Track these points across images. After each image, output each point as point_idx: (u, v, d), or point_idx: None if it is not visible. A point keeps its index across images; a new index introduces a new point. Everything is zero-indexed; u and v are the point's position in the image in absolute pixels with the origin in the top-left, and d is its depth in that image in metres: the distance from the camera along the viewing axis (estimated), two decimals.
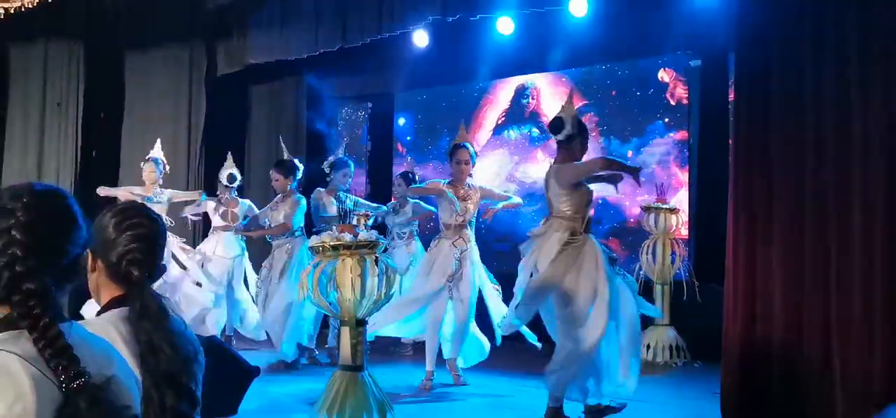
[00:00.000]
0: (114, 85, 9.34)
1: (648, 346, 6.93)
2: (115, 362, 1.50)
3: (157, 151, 7.70)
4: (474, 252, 6.00)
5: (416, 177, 7.43)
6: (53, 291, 1.42)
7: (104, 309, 1.90)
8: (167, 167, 7.74)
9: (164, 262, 1.99)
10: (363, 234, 4.14)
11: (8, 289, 1.38)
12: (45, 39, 9.02)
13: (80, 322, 1.61)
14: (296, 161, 7.09)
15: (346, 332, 4.12)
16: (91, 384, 1.35)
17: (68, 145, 9.10)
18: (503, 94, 9.16)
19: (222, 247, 7.43)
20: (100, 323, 1.77)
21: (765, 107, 4.54)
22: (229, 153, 7.88)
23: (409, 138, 9.92)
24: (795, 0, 4.52)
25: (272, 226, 6.92)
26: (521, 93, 9.05)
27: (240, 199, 7.73)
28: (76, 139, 9.10)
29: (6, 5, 6.95)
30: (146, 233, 1.87)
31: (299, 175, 7.04)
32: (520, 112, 9.05)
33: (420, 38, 8.72)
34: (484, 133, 9.12)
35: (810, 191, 4.28)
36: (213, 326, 7.22)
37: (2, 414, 1.27)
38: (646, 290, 7.08)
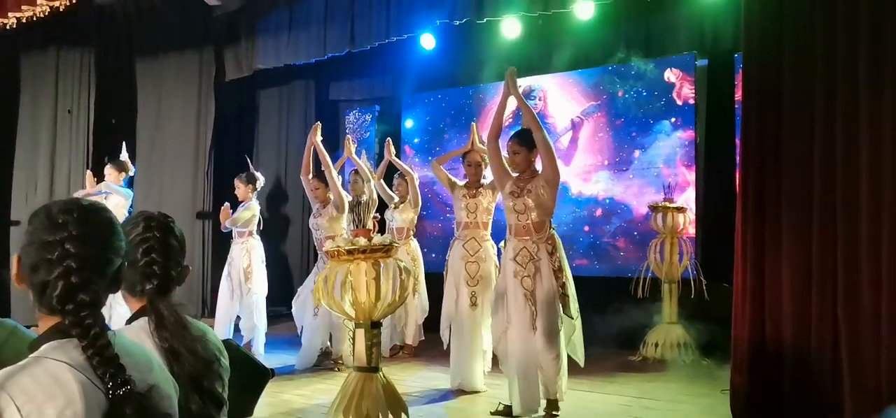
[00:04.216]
0: (124, 91, 9.43)
1: (656, 344, 6.99)
2: (155, 370, 1.56)
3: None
4: (490, 253, 5.98)
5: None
6: (102, 301, 1.49)
7: (132, 318, 1.97)
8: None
9: (185, 264, 2.03)
10: (378, 238, 4.21)
11: (62, 300, 1.44)
12: (57, 47, 9.11)
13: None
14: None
15: (361, 334, 4.18)
16: (136, 391, 1.41)
17: (79, 151, 9.20)
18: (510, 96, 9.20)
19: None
20: (133, 332, 1.83)
21: (774, 107, 4.58)
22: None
23: (416, 140, 9.97)
24: (802, 4, 4.56)
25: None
26: (527, 94, 9.09)
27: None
28: (87, 145, 9.20)
29: (18, 15, 7.01)
30: (154, 245, 1.91)
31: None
32: None
33: (427, 42, 8.79)
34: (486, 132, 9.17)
35: (819, 189, 4.33)
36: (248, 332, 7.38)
37: None
38: (653, 289, 7.16)
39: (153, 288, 1.84)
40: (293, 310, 7.04)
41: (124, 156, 7.80)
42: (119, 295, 1.77)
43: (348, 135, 7.65)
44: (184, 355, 1.74)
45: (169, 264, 1.90)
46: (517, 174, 5.10)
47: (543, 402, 5.00)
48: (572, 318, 4.92)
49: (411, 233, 7.46)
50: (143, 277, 1.86)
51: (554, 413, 4.97)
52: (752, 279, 4.47)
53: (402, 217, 7.40)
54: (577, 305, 4.99)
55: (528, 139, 5.01)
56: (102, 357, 1.41)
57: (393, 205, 7.50)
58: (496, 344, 5.19)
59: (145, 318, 1.82)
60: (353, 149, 7.24)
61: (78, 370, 1.40)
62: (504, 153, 5.30)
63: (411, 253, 7.27)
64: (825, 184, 4.31)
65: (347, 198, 6.88)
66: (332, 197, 6.73)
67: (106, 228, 1.55)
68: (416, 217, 7.48)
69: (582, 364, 5.15)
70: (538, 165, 5.12)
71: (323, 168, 6.71)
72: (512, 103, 5.55)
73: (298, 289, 7.18)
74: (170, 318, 1.76)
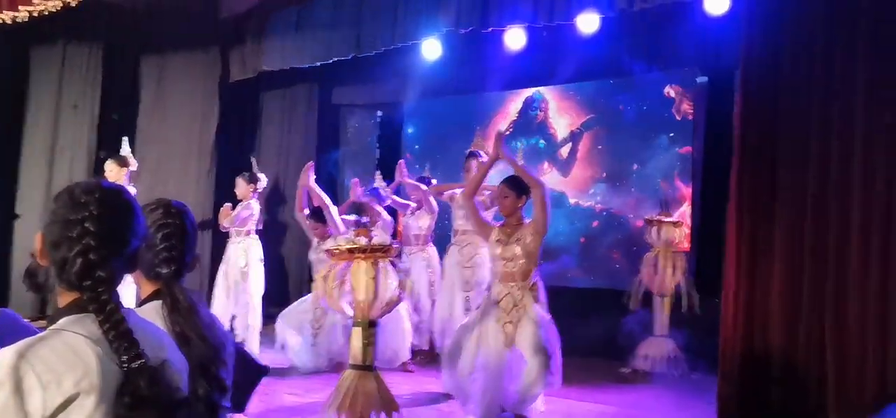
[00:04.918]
0: (129, 88, 9.52)
1: (647, 356, 7.06)
2: (166, 347, 1.65)
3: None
4: (486, 259, 6.01)
5: (433, 181, 7.55)
6: (118, 279, 1.58)
7: (144, 301, 2.06)
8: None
9: (197, 252, 2.13)
10: (377, 238, 4.30)
11: (80, 276, 1.52)
12: (65, 42, 9.18)
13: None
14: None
15: (357, 333, 4.26)
16: (149, 366, 1.50)
17: (83, 145, 9.24)
18: (512, 105, 9.31)
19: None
20: (146, 313, 1.91)
21: (769, 123, 4.68)
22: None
23: (417, 147, 10.07)
24: (805, 21, 4.66)
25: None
26: (529, 105, 9.21)
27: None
28: (90, 141, 9.26)
29: (29, 8, 7.09)
30: (174, 232, 2.01)
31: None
32: (528, 124, 9.20)
33: (431, 49, 8.89)
34: (491, 144, 9.26)
35: (811, 204, 4.43)
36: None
37: (71, 389, 1.42)
38: (646, 301, 7.23)
39: (170, 272, 1.93)
40: (277, 325, 7.04)
41: (125, 150, 7.81)
42: (127, 277, 1.85)
43: (354, 180, 7.70)
44: (194, 340, 1.82)
45: (185, 250, 1.99)
46: (502, 221, 5.11)
47: None
48: None
49: (428, 239, 7.46)
50: (161, 261, 1.94)
51: None
52: (743, 290, 4.56)
53: (418, 224, 7.42)
54: None
55: (518, 185, 5.02)
56: (118, 331, 1.49)
57: (409, 212, 7.54)
58: (455, 388, 5.08)
59: (158, 301, 1.90)
60: (360, 193, 7.36)
61: (95, 343, 1.48)
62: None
63: (428, 259, 7.33)
64: (818, 199, 4.41)
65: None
66: (332, 232, 6.80)
67: (126, 210, 1.63)
68: (432, 223, 7.47)
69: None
70: (523, 210, 5.11)
71: (318, 205, 6.79)
72: (511, 115, 5.62)
73: (289, 308, 7.21)
74: (183, 303, 1.84)
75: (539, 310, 4.84)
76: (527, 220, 5.01)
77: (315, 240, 7.02)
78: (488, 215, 6.17)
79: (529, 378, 4.69)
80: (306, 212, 7.04)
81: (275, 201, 10.20)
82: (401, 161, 7.75)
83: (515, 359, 4.73)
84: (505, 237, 4.97)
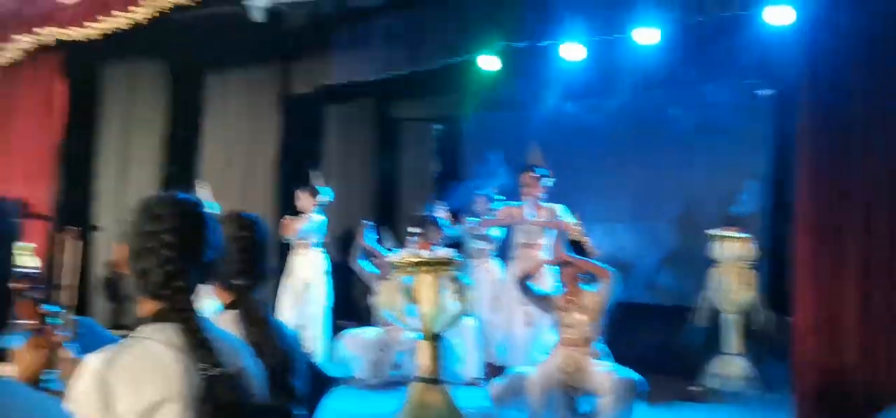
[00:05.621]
0: (194, 104, 9.72)
1: (717, 375, 6.89)
2: (244, 355, 1.65)
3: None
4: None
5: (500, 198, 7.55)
6: (194, 290, 1.59)
7: (221, 311, 2.08)
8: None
9: (269, 264, 2.15)
10: (441, 252, 4.29)
11: (160, 287, 1.55)
12: (133, 59, 9.44)
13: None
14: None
15: (424, 346, 4.26)
16: (227, 373, 1.51)
17: (152, 161, 9.48)
18: (570, 119, 9.21)
19: None
20: (222, 322, 1.94)
21: (835, 136, 4.55)
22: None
23: (476, 162, 10.03)
24: (874, 28, 4.51)
25: None
26: (588, 118, 9.10)
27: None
28: (159, 155, 9.48)
29: (103, 27, 7.31)
30: (248, 245, 2.03)
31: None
32: (589, 137, 9.09)
33: (488, 63, 8.87)
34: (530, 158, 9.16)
35: (883, 219, 4.27)
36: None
37: (154, 394, 1.44)
38: (715, 318, 7.06)
39: (245, 284, 1.95)
40: (339, 344, 7.13)
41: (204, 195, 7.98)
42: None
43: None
44: (267, 349, 1.84)
45: (258, 261, 2.02)
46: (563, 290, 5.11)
47: None
48: None
49: (491, 254, 7.52)
50: (235, 272, 1.97)
51: None
52: (815, 309, 4.42)
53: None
54: None
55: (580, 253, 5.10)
56: (196, 339, 1.51)
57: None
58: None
59: (234, 311, 1.93)
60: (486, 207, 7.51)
61: (175, 350, 1.50)
62: None
63: (491, 273, 7.33)
64: (889, 214, 4.26)
65: None
66: None
67: (202, 222, 1.66)
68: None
69: None
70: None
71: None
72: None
73: (353, 330, 7.29)
74: (256, 313, 1.87)
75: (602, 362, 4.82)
76: (586, 290, 5.01)
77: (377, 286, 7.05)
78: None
79: (609, 399, 4.60)
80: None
81: (339, 213, 10.25)
82: (465, 223, 7.77)
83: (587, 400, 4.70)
84: (566, 304, 5.00)
